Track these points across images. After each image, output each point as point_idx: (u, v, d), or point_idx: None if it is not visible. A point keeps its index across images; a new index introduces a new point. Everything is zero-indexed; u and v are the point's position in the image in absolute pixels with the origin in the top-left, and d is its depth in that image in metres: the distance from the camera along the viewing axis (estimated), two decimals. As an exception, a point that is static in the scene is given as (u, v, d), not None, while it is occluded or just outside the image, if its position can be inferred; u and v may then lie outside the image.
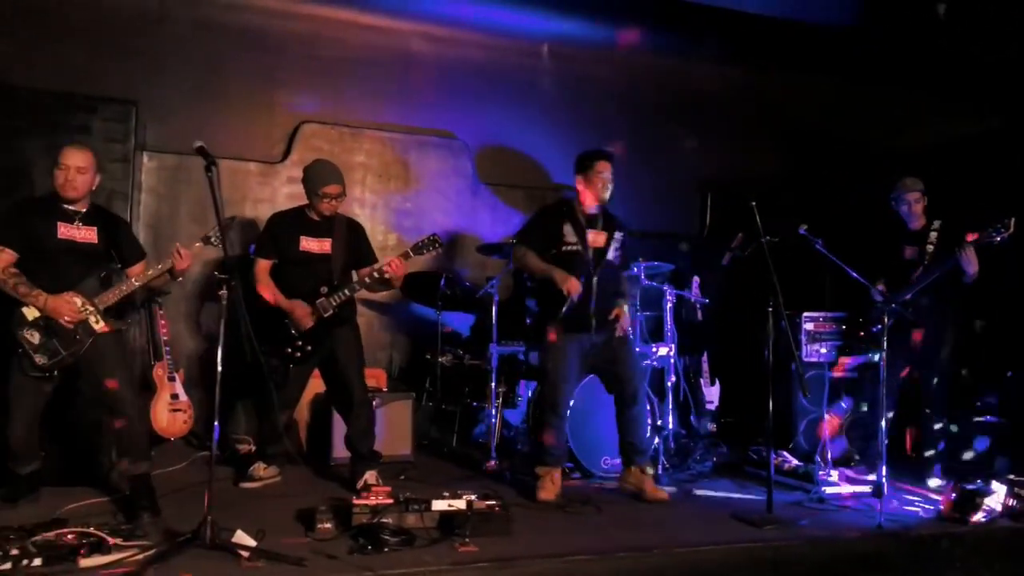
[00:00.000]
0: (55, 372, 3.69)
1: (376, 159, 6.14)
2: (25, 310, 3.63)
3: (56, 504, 3.72)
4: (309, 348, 4.31)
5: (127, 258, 3.95)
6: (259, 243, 4.50)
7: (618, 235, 4.53)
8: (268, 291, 4.33)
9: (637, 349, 4.95)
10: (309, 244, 4.39)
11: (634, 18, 6.37)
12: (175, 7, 5.57)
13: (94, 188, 3.85)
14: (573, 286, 4.26)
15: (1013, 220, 4.37)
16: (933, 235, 4.83)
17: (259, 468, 4.43)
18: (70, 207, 3.79)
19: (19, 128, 4.85)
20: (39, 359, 3.62)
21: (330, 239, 4.42)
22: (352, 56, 6.06)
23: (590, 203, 4.49)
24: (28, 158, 4.79)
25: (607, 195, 4.45)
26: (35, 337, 3.62)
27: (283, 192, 5.81)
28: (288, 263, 4.39)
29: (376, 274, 4.32)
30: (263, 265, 4.40)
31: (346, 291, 4.34)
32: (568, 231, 4.43)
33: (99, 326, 3.71)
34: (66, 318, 3.63)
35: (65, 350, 3.65)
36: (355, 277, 4.47)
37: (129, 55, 5.42)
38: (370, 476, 4.35)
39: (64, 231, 3.74)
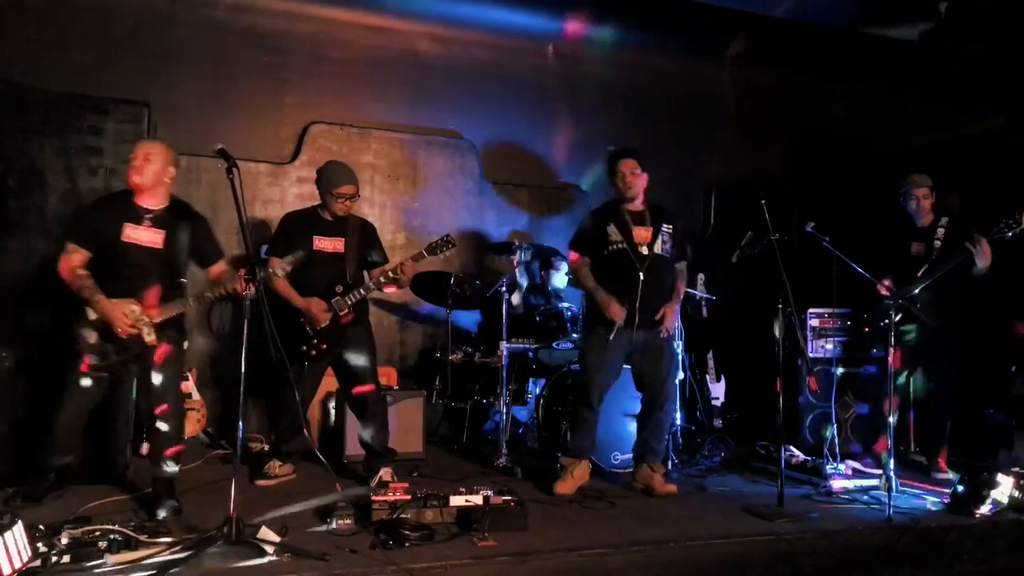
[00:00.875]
0: (103, 373, 3.75)
1: (384, 159, 6.19)
2: (89, 309, 3.68)
3: (77, 503, 3.75)
4: (324, 347, 4.36)
5: (204, 259, 3.93)
6: (273, 242, 4.55)
7: (665, 227, 4.50)
8: (282, 288, 4.37)
9: (677, 349, 4.98)
10: (322, 243, 4.44)
11: (638, 19, 6.42)
12: (184, 9, 5.63)
13: (167, 180, 3.84)
14: (616, 312, 4.33)
15: None
16: (940, 231, 4.89)
17: (274, 465, 4.48)
18: (143, 204, 3.78)
19: (32, 129, 4.86)
20: (91, 360, 3.69)
21: (343, 239, 4.47)
22: (360, 57, 6.13)
23: (633, 201, 4.51)
24: (41, 159, 4.80)
25: (633, 192, 4.46)
26: (91, 337, 3.69)
27: (292, 192, 5.86)
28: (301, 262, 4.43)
29: (390, 274, 4.37)
30: (275, 263, 4.42)
31: (361, 291, 4.39)
32: (612, 231, 4.46)
33: (150, 339, 3.67)
34: (118, 328, 3.62)
35: (116, 355, 3.72)
36: (367, 278, 4.52)
37: (139, 57, 5.49)
38: (385, 473, 4.40)
39: (129, 233, 3.73)
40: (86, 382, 3.75)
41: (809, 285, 5.16)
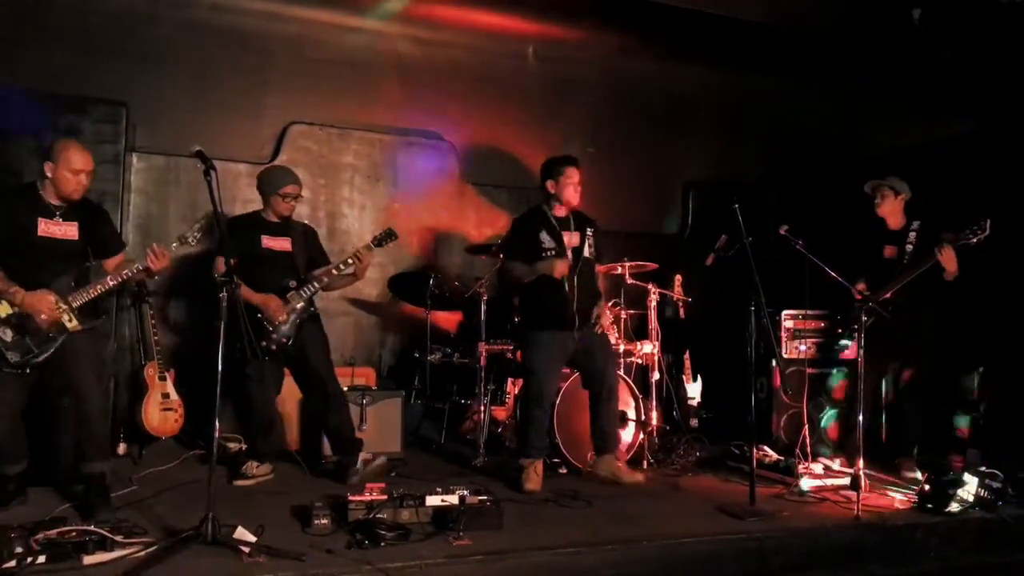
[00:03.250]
0: (27, 370, 3.66)
1: (364, 160, 6.21)
2: None
3: (50, 503, 3.75)
4: (285, 340, 4.44)
5: (105, 250, 3.93)
6: (222, 242, 4.52)
7: (589, 231, 4.72)
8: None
9: (615, 345, 5.15)
10: (270, 243, 4.57)
11: (618, 21, 6.46)
12: (164, 9, 5.61)
13: None
14: (559, 268, 4.46)
15: (989, 222, 4.50)
16: (912, 235, 4.97)
17: (252, 466, 4.50)
18: (51, 200, 3.75)
19: (8, 129, 4.85)
20: (11, 356, 3.59)
21: (288, 238, 4.60)
22: (340, 58, 6.13)
23: (560, 207, 4.65)
24: (18, 159, 4.80)
25: (576, 200, 4.62)
26: (7, 334, 3.58)
27: (272, 192, 5.85)
28: (252, 261, 4.47)
29: (343, 265, 4.50)
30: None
31: (314, 284, 4.51)
32: (545, 237, 4.62)
33: (72, 324, 3.66)
34: (42, 316, 3.58)
35: (37, 348, 3.62)
36: (311, 277, 4.62)
37: (118, 56, 5.46)
38: (365, 456, 4.54)
39: (44, 228, 3.70)
40: (12, 382, 3.67)
41: (784, 286, 5.24)
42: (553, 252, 4.56)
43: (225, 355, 3.43)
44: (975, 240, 4.56)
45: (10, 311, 3.59)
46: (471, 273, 6.19)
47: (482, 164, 6.61)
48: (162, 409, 5.07)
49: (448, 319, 6.25)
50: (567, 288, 4.53)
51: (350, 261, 4.51)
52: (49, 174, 3.70)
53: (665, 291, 5.72)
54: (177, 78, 5.65)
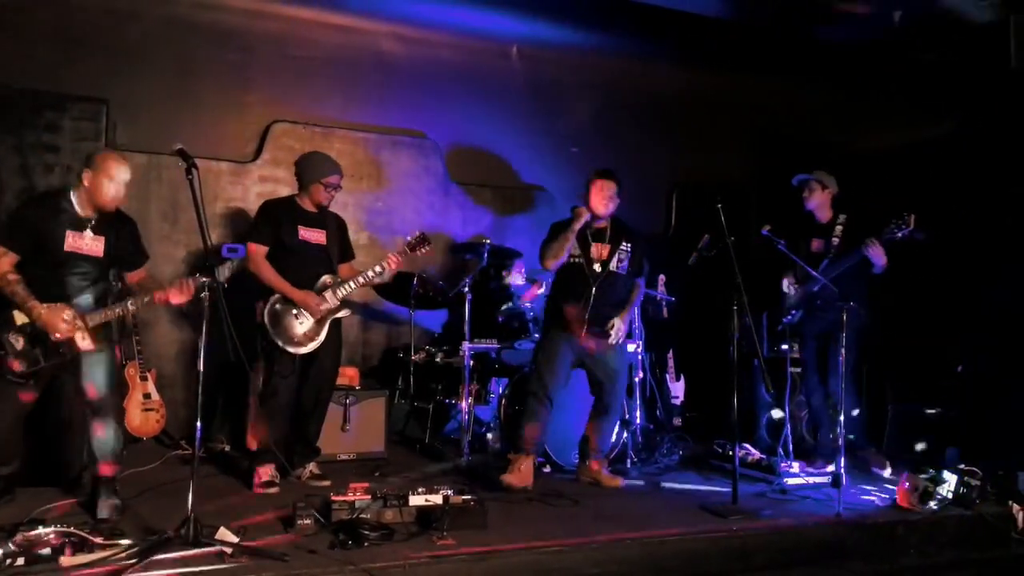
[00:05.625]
0: (31, 380, 3.64)
1: (348, 158, 6.13)
2: (15, 313, 3.56)
3: (30, 505, 3.71)
4: (317, 336, 4.36)
5: (131, 263, 3.90)
6: (256, 229, 4.44)
7: (624, 245, 4.68)
8: (274, 279, 4.31)
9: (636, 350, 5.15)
10: (307, 234, 4.44)
11: (602, 21, 6.48)
12: (146, 5, 5.55)
13: None
14: (582, 213, 4.53)
15: (913, 217, 4.51)
16: (839, 229, 4.98)
17: (268, 470, 4.33)
18: (84, 210, 3.69)
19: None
20: (17, 366, 3.57)
21: (324, 230, 4.49)
22: (323, 55, 6.10)
23: (596, 216, 4.63)
24: (-2, 156, 4.75)
25: (604, 211, 4.62)
26: (19, 342, 3.56)
27: (254, 191, 5.82)
28: (284, 251, 4.39)
29: (378, 268, 4.42)
30: (260, 251, 4.35)
31: (350, 284, 4.41)
32: (572, 244, 4.59)
33: (84, 344, 3.63)
34: (57, 334, 3.55)
35: (45, 360, 3.59)
36: (341, 273, 4.55)
37: (99, 53, 5.39)
38: (313, 467, 4.50)
39: (72, 241, 3.64)
40: (16, 389, 3.63)
41: (767, 286, 5.27)
42: (578, 260, 4.57)
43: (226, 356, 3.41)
44: (900, 235, 4.57)
45: (26, 320, 3.56)
46: (456, 273, 6.17)
47: (467, 163, 6.59)
48: (143, 409, 5.04)
49: (432, 318, 6.24)
50: (585, 295, 4.53)
51: (384, 265, 4.42)
52: (87, 183, 3.65)
53: (649, 290, 5.73)
54: (158, 75, 5.58)
